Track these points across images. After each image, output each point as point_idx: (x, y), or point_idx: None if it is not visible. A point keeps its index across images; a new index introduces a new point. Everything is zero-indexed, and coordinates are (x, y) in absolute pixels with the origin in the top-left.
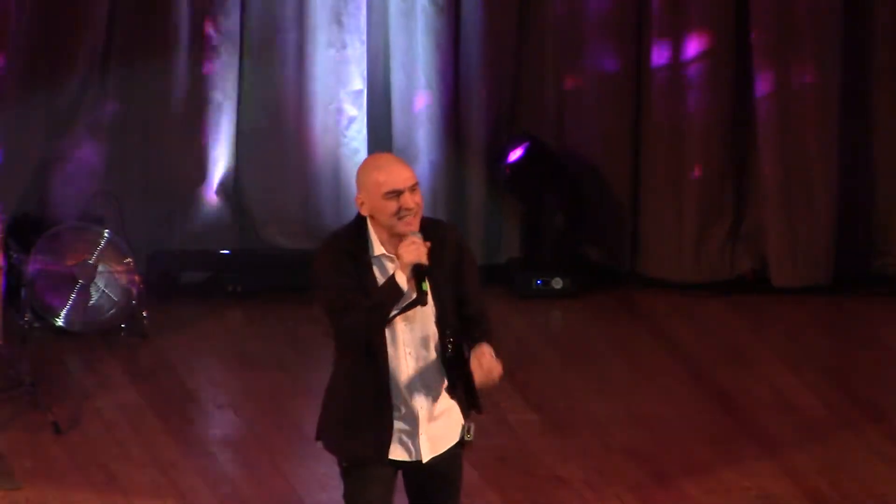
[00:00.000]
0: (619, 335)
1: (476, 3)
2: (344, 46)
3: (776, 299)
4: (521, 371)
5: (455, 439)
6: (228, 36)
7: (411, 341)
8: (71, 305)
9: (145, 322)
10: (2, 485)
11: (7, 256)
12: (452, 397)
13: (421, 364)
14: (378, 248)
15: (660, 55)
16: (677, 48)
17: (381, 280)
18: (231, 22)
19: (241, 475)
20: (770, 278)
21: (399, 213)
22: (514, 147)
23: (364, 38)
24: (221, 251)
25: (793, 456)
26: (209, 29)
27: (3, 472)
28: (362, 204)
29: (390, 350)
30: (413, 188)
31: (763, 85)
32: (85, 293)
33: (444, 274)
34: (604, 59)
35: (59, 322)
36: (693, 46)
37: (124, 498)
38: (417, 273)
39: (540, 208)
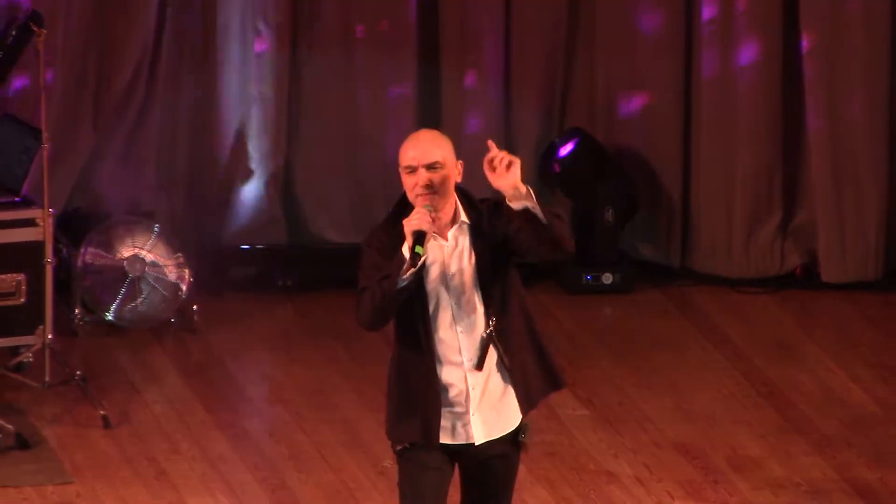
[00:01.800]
0: (668, 331)
1: None
2: (395, 42)
3: (825, 295)
4: (570, 366)
5: (510, 428)
6: (278, 30)
7: (461, 319)
8: (121, 300)
9: (195, 316)
10: (52, 479)
11: (57, 251)
12: (510, 379)
13: (472, 343)
14: None
15: (709, 50)
16: (727, 46)
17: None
18: (281, 16)
19: (291, 469)
20: (819, 274)
21: (414, 190)
22: (564, 142)
23: (415, 33)
24: (271, 245)
25: (842, 452)
26: (259, 23)
27: (54, 466)
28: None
29: (440, 330)
30: (432, 166)
31: (812, 80)
32: (135, 288)
33: (489, 246)
34: (653, 54)
35: (109, 316)
36: (743, 45)
37: (174, 492)
38: (416, 239)
39: (590, 203)
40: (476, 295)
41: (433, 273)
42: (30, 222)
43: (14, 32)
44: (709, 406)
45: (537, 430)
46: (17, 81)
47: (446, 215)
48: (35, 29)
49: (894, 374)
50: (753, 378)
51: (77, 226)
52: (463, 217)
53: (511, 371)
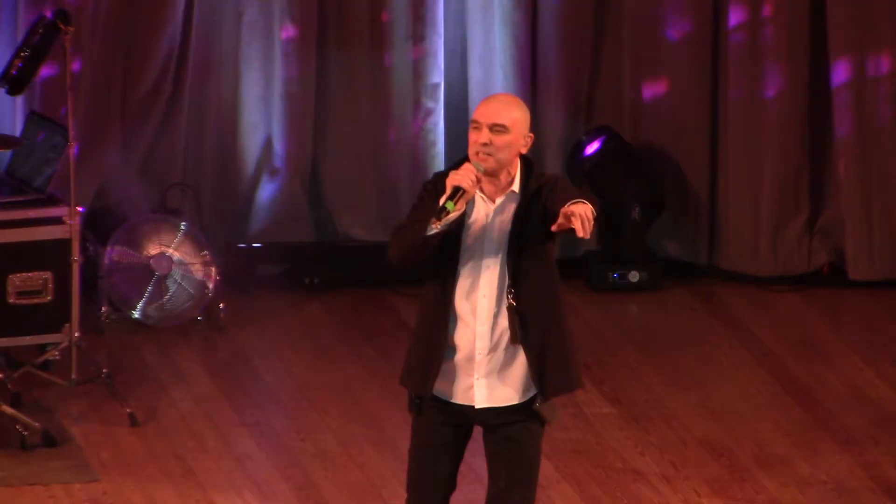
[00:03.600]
0: (695, 328)
1: None
2: (422, 39)
3: (853, 293)
4: (597, 364)
5: (516, 400)
6: (306, 29)
7: (486, 284)
8: (147, 298)
9: (222, 314)
10: (79, 477)
11: (84, 249)
12: (525, 356)
13: (490, 310)
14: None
15: (736, 49)
16: (753, 43)
17: (478, 218)
18: (309, 16)
19: (317, 467)
20: (847, 271)
21: (474, 146)
22: (591, 140)
23: (441, 31)
24: (297, 243)
25: (869, 449)
26: (286, 20)
27: (81, 464)
28: None
29: (463, 289)
30: (496, 126)
31: (839, 77)
32: (161, 285)
33: (532, 223)
34: (680, 52)
35: (136, 314)
36: (768, 41)
37: (200, 490)
38: (451, 193)
39: (617, 201)
40: (506, 266)
41: (473, 232)
42: (56, 220)
43: (41, 30)
44: (735, 403)
45: (564, 429)
46: (45, 79)
47: (503, 180)
48: (62, 27)
49: None
50: (780, 376)
51: (104, 224)
52: (516, 187)
53: (526, 349)
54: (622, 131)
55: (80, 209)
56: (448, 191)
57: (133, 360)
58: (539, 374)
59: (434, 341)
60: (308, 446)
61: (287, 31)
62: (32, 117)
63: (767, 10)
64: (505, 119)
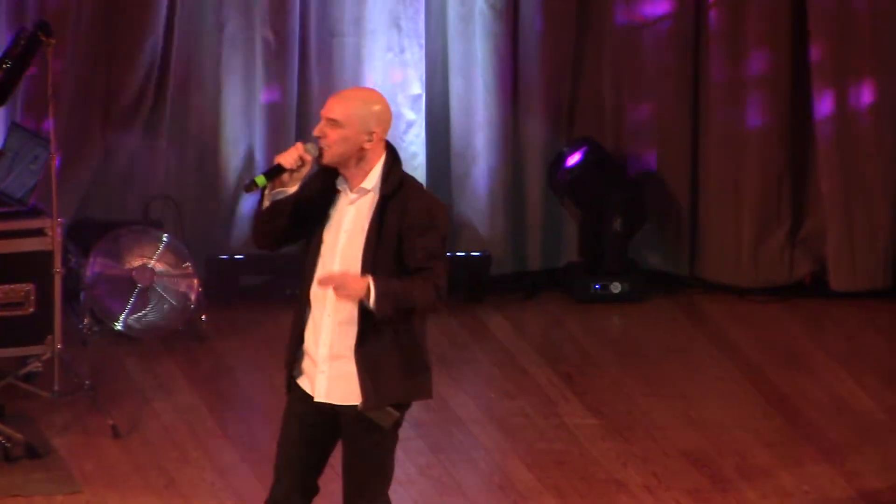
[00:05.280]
0: (677, 339)
1: (534, 8)
2: (402, 51)
3: (835, 303)
4: (579, 375)
5: (351, 401)
6: (286, 40)
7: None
8: (130, 309)
9: (204, 326)
10: (62, 488)
11: (66, 261)
12: (358, 362)
13: (339, 307)
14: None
15: (718, 59)
16: (735, 53)
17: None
18: (289, 26)
19: None
20: (829, 282)
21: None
22: (572, 151)
23: (422, 42)
24: (280, 255)
25: (851, 460)
26: (267, 33)
27: (64, 475)
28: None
29: (313, 286)
30: (329, 120)
31: (820, 87)
32: (144, 297)
33: (388, 238)
34: (662, 64)
35: (118, 326)
36: (752, 54)
37: (183, 500)
38: (270, 170)
39: (598, 212)
40: (357, 264)
41: (332, 224)
42: (38, 232)
43: (23, 42)
44: (717, 414)
45: (546, 439)
46: (27, 90)
47: (359, 174)
48: (44, 38)
49: None
50: (762, 386)
51: (86, 235)
52: (368, 184)
53: (359, 356)
54: (604, 142)
55: (61, 221)
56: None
57: (115, 371)
58: (374, 381)
59: (295, 326)
60: None
61: (268, 43)
62: (14, 129)
63: (750, 15)
64: (338, 114)
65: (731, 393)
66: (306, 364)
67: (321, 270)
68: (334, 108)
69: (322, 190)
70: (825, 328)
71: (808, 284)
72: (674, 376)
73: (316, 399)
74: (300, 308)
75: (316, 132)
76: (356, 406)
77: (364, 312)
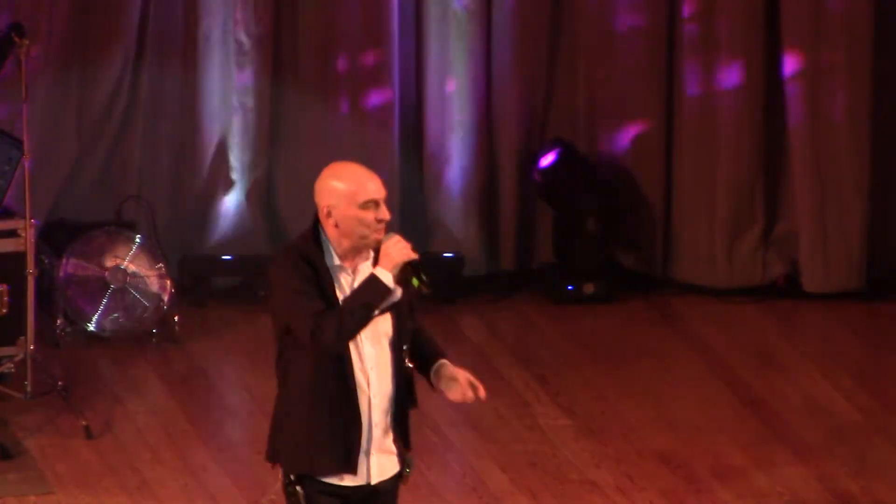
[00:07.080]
0: (651, 340)
1: (507, 9)
2: (375, 50)
3: (808, 304)
4: (553, 376)
5: (396, 468)
6: (260, 42)
7: (373, 356)
8: (103, 310)
9: (177, 327)
10: (35, 489)
11: (39, 262)
12: (395, 421)
13: (382, 379)
14: (336, 259)
15: (691, 60)
16: (708, 55)
17: (344, 288)
18: (263, 28)
19: (273, 480)
20: (802, 283)
21: (377, 224)
22: (545, 152)
23: (395, 42)
24: (252, 256)
25: (825, 461)
26: (240, 35)
27: (36, 476)
28: (329, 214)
29: (356, 362)
30: (385, 200)
31: (794, 89)
32: (117, 298)
33: (407, 300)
34: (635, 65)
35: (91, 327)
36: (725, 58)
37: (156, 502)
38: (412, 268)
39: (572, 213)
40: (388, 333)
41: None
42: (12, 233)
43: None
44: (692, 415)
45: (519, 440)
46: None
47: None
48: (17, 39)
49: (877, 383)
50: (736, 387)
51: (59, 236)
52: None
53: (394, 423)
54: (577, 143)
55: (35, 222)
56: (409, 269)
57: (88, 372)
58: (402, 439)
59: (346, 420)
60: (263, 459)
61: (241, 46)
62: None
63: (723, 22)
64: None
65: (704, 394)
66: (342, 453)
67: (365, 348)
68: (382, 187)
69: (314, 275)
70: (798, 329)
71: (781, 285)
72: (647, 377)
73: (373, 482)
74: (343, 396)
75: (387, 216)
76: (395, 474)
77: (398, 378)
